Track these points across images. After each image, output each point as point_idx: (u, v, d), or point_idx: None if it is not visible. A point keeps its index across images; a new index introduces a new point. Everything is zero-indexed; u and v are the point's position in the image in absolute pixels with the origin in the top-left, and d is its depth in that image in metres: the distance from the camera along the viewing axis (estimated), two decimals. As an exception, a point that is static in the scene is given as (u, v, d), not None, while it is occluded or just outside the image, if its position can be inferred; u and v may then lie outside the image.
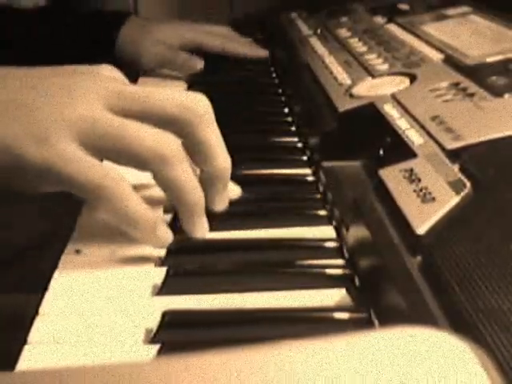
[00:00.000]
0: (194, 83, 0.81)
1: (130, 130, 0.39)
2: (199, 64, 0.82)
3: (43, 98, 0.39)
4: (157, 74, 0.85)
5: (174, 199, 0.41)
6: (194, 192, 0.41)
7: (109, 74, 0.44)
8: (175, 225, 0.43)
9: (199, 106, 0.42)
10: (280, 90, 0.76)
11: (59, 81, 0.41)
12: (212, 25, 0.88)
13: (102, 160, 0.40)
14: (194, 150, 0.42)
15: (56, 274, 0.39)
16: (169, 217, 0.45)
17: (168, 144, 0.39)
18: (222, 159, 0.43)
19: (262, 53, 0.88)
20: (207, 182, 0.43)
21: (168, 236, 0.41)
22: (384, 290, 0.35)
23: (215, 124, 0.43)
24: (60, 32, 0.85)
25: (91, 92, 0.40)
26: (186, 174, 0.40)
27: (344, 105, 0.58)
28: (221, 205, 0.45)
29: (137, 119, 0.40)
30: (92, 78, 0.42)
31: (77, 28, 0.86)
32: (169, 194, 0.42)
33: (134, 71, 0.86)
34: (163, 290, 0.38)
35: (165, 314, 0.34)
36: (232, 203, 0.47)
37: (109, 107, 0.40)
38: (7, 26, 0.84)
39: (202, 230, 0.43)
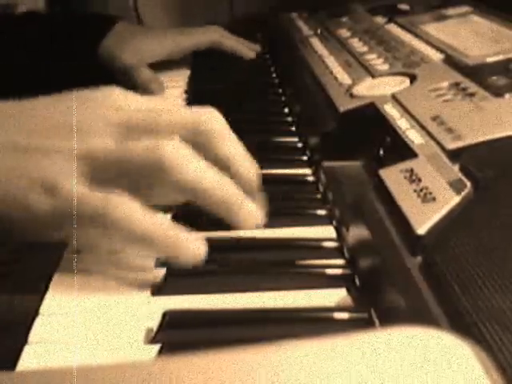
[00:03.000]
0: (194, 83, 0.81)
1: (126, 150, 0.37)
2: (159, 89, 0.78)
3: (43, 139, 0.37)
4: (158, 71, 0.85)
5: (200, 203, 0.39)
6: (218, 187, 0.38)
7: (115, 98, 0.41)
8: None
9: (213, 122, 0.40)
10: (280, 90, 0.76)
11: (62, 117, 0.38)
12: (201, 27, 0.88)
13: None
14: (219, 165, 0.40)
15: (56, 274, 0.39)
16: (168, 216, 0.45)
17: (166, 147, 0.37)
18: (250, 168, 0.42)
19: (253, 51, 0.90)
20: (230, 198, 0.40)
21: (198, 247, 0.37)
22: (384, 290, 0.35)
23: (232, 134, 0.41)
24: (45, 37, 0.83)
25: (95, 125, 0.38)
26: (199, 172, 0.38)
27: (344, 105, 0.58)
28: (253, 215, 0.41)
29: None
30: (97, 107, 0.39)
31: (61, 33, 0.83)
32: (194, 197, 0.39)
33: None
34: (163, 290, 0.38)
35: (165, 314, 0.34)
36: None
37: (119, 137, 0.38)
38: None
39: (249, 220, 0.40)
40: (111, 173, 0.37)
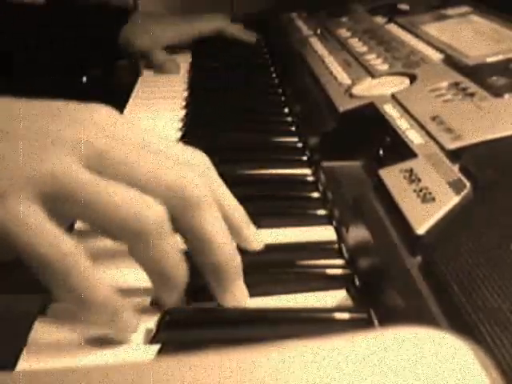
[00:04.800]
0: (194, 82, 0.81)
1: (102, 193, 0.32)
2: (176, 69, 0.88)
3: (9, 144, 0.32)
4: (157, 72, 0.88)
5: (156, 284, 0.35)
6: (178, 272, 0.34)
7: (101, 121, 0.35)
8: None
9: (191, 191, 0.34)
10: (280, 90, 0.76)
11: (34, 125, 0.34)
12: (206, 15, 0.97)
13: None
14: (187, 236, 0.35)
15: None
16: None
17: (149, 215, 0.32)
18: (221, 251, 0.35)
19: (251, 37, 0.98)
20: (209, 275, 0.36)
21: (133, 324, 0.34)
22: (384, 290, 0.35)
23: (213, 208, 0.35)
24: (62, 27, 0.88)
25: (69, 143, 0.33)
26: (167, 252, 0.33)
27: (344, 105, 0.58)
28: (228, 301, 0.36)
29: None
30: (76, 126, 0.34)
31: (80, 24, 0.89)
32: (149, 274, 0.35)
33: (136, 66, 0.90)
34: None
35: (164, 314, 0.34)
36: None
37: (86, 165, 0.33)
38: (9, 20, 0.85)
39: (234, 300, 0.36)
40: (71, 207, 0.32)
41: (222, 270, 0.35)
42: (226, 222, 0.37)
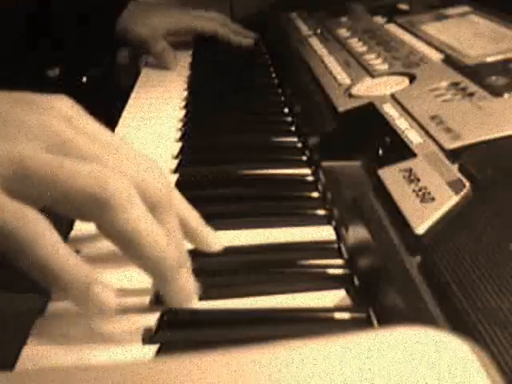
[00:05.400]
0: (194, 82, 0.81)
1: (66, 167, 0.31)
2: (174, 58, 0.88)
3: None
4: (158, 70, 0.88)
5: (131, 255, 0.33)
6: (157, 243, 0.33)
7: (64, 111, 0.35)
8: None
9: (155, 191, 0.34)
10: (280, 90, 0.76)
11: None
12: (205, 11, 0.97)
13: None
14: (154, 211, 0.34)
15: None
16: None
17: (112, 184, 0.31)
18: (154, 249, 0.33)
19: (250, 39, 0.98)
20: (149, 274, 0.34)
21: (107, 299, 0.31)
22: (383, 290, 0.35)
23: (172, 212, 0.35)
24: (63, 18, 0.88)
25: (32, 128, 0.33)
26: (142, 222, 0.32)
27: (343, 105, 0.58)
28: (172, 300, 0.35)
29: None
30: (40, 114, 0.34)
31: (80, 13, 0.89)
32: (123, 248, 0.33)
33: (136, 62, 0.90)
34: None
35: (163, 314, 0.34)
36: (232, 203, 0.47)
37: (48, 149, 0.33)
38: (10, 15, 0.86)
39: (181, 295, 0.34)
40: (34, 188, 0.31)
41: (156, 268, 0.34)
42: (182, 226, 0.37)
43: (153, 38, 0.88)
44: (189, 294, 0.35)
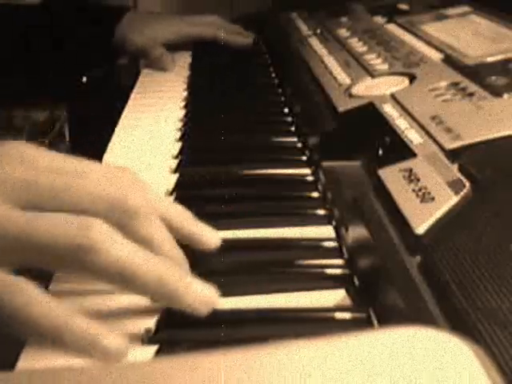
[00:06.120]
0: (194, 82, 0.81)
1: (40, 222, 0.31)
2: (171, 63, 0.88)
3: None
4: (158, 70, 0.88)
5: (132, 289, 0.33)
6: (151, 265, 0.32)
7: (21, 151, 0.34)
8: None
9: (132, 203, 0.34)
10: (280, 90, 0.76)
11: None
12: (201, 16, 0.97)
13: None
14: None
15: (56, 274, 0.39)
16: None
17: (93, 227, 0.31)
18: (171, 254, 0.35)
19: (249, 40, 0.97)
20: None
21: (114, 345, 0.30)
22: (383, 290, 0.35)
23: (153, 218, 0.35)
24: (61, 26, 0.89)
25: None
26: (130, 256, 0.31)
27: (343, 105, 0.58)
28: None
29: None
30: None
31: (78, 22, 0.90)
32: (121, 285, 0.33)
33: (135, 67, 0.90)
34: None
35: (164, 314, 0.34)
36: (232, 203, 0.47)
37: (16, 201, 0.31)
38: (6, 22, 0.86)
39: (199, 303, 0.33)
40: (9, 250, 0.30)
41: (160, 293, 0.33)
42: (174, 231, 0.36)
43: (151, 46, 0.88)
44: (206, 299, 0.34)
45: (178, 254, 0.36)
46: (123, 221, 0.34)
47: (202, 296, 0.33)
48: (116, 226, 0.33)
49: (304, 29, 0.92)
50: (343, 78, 0.65)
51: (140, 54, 0.90)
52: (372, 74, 0.63)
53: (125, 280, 0.32)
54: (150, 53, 0.88)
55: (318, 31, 0.87)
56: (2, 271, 0.30)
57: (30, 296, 0.29)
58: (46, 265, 0.32)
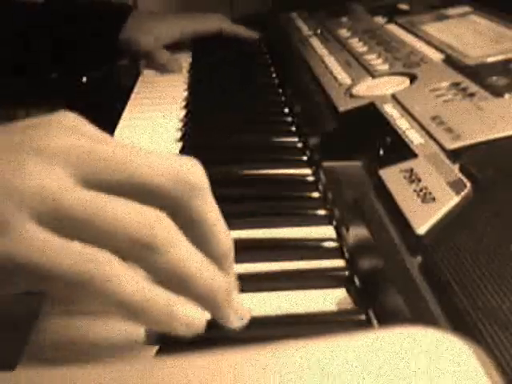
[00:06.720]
0: (194, 82, 0.81)
1: (104, 209, 0.29)
2: (178, 68, 0.88)
3: None
4: (158, 70, 0.88)
5: (184, 293, 0.31)
6: (206, 277, 0.31)
7: (72, 125, 0.32)
8: None
9: (194, 177, 0.33)
10: (280, 90, 0.76)
11: (4, 143, 0.30)
12: (204, 14, 0.97)
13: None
14: (190, 230, 0.32)
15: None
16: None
17: (157, 225, 0.30)
18: (225, 239, 0.34)
19: (253, 34, 0.97)
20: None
21: (196, 319, 0.31)
22: (384, 290, 0.35)
23: (212, 197, 0.34)
24: (64, 25, 0.88)
25: (49, 153, 0.30)
26: (190, 259, 0.31)
27: (344, 105, 0.58)
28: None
29: (113, 191, 0.30)
30: (50, 133, 0.31)
31: (81, 22, 0.90)
32: (174, 288, 0.31)
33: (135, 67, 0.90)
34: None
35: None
36: (232, 203, 0.47)
37: (75, 175, 0.30)
38: (10, 18, 0.86)
39: (236, 319, 0.33)
40: (74, 227, 0.29)
41: (210, 300, 0.32)
42: None
43: (156, 49, 0.88)
44: (243, 314, 0.33)
45: (228, 240, 0.35)
46: (184, 195, 0.32)
47: (239, 311, 0.33)
48: (176, 201, 0.32)
49: (304, 29, 0.92)
50: (344, 78, 0.65)
51: (146, 57, 0.90)
52: (373, 74, 0.63)
53: (180, 284, 0.31)
54: (156, 57, 0.88)
55: (319, 31, 0.87)
56: (85, 245, 0.29)
57: (116, 269, 0.29)
58: (102, 247, 0.30)
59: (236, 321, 0.33)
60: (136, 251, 0.30)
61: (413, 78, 0.57)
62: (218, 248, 0.33)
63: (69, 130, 0.31)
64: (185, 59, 0.93)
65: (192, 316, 0.31)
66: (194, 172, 0.33)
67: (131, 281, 0.29)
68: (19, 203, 0.28)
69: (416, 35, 0.72)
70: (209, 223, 0.33)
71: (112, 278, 0.29)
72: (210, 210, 0.33)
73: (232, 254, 0.34)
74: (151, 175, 0.32)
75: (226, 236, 0.34)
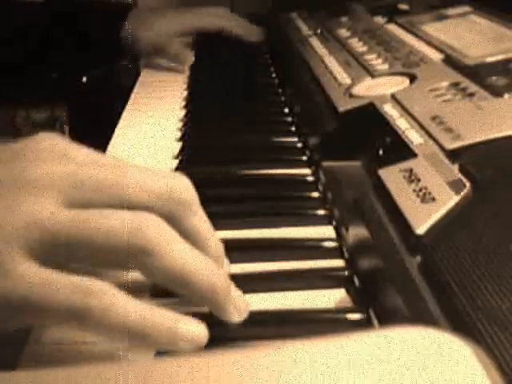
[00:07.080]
0: (194, 82, 0.81)
1: (90, 222, 0.29)
2: (189, 57, 0.88)
3: None
4: (158, 70, 0.88)
5: (186, 291, 0.32)
6: (205, 272, 0.32)
7: (58, 150, 0.32)
8: None
9: (185, 194, 0.33)
10: (280, 90, 0.76)
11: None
12: (209, 7, 0.96)
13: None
14: (189, 238, 0.33)
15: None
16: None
17: (147, 227, 0.30)
18: (215, 247, 0.35)
19: (257, 36, 0.96)
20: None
21: (198, 332, 0.31)
22: (384, 290, 0.35)
23: (201, 209, 0.35)
24: (64, 25, 0.88)
25: (37, 184, 0.30)
26: (188, 258, 0.31)
27: (344, 105, 0.58)
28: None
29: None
30: (37, 162, 0.30)
31: (80, 21, 0.89)
32: (175, 287, 0.32)
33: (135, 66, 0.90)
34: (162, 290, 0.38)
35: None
36: (232, 203, 0.47)
37: (64, 202, 0.30)
38: (10, 18, 0.86)
39: (236, 312, 0.34)
40: (63, 251, 0.29)
41: (210, 297, 0.33)
42: None
43: (165, 42, 0.87)
44: (243, 308, 0.34)
45: (221, 249, 0.36)
46: (175, 212, 0.33)
47: (239, 305, 0.34)
48: (166, 217, 0.32)
49: (304, 29, 0.92)
50: (343, 78, 0.65)
51: (154, 51, 0.89)
52: (372, 74, 0.63)
53: (180, 284, 0.31)
54: (167, 48, 0.87)
55: (319, 31, 0.87)
56: (80, 277, 0.29)
57: (114, 298, 0.29)
58: (97, 264, 0.31)
59: (236, 315, 0.34)
60: (132, 258, 0.30)
61: (412, 78, 0.57)
62: (209, 254, 0.34)
63: (55, 156, 0.31)
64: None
65: (195, 331, 0.31)
66: (184, 189, 0.33)
67: (131, 308, 0.29)
68: (8, 238, 0.28)
69: (416, 35, 0.72)
70: (201, 237, 0.34)
71: (111, 307, 0.29)
72: (201, 225, 0.34)
73: (225, 262, 0.36)
74: (141, 197, 0.32)
75: (216, 245, 0.35)
